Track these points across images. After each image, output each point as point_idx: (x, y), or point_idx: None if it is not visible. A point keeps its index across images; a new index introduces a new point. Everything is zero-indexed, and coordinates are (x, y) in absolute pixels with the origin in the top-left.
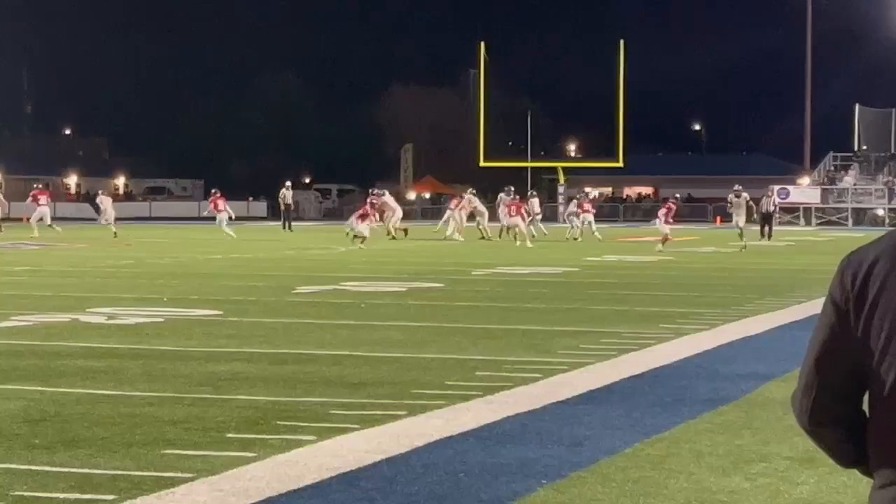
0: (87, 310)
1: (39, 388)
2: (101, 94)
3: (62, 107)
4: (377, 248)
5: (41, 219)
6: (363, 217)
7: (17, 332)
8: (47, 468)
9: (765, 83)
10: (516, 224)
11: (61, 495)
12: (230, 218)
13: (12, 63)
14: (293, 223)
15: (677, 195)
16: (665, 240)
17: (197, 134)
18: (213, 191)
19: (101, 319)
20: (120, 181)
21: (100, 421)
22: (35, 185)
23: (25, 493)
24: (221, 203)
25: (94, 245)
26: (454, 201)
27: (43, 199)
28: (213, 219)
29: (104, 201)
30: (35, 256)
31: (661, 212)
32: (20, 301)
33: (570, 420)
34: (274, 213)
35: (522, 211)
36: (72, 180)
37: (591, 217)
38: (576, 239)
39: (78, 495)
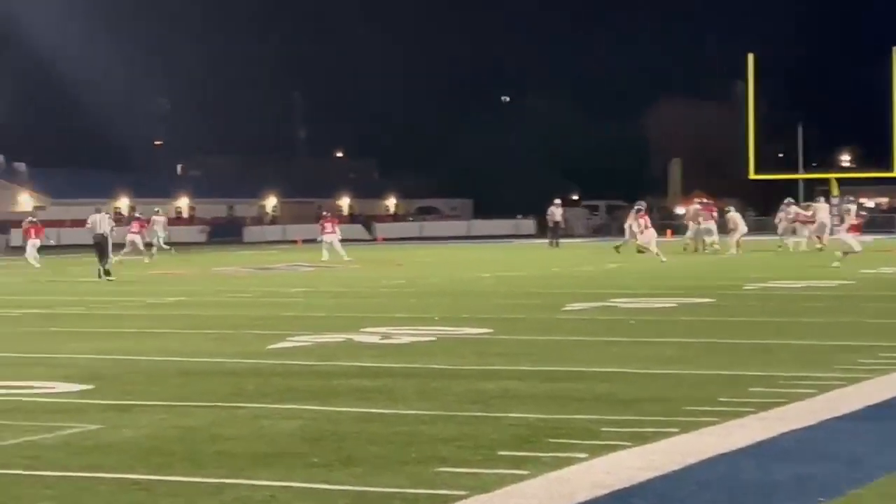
0: (361, 329)
1: (316, 407)
2: (371, 116)
3: (333, 130)
4: (645, 265)
5: (331, 243)
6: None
7: (293, 353)
8: (325, 486)
9: None
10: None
11: None
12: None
13: (285, 90)
14: (561, 240)
15: None
16: None
17: (465, 153)
18: (324, 213)
19: (375, 339)
20: (391, 202)
21: (375, 439)
22: (324, 213)
23: None
24: (330, 225)
25: (367, 266)
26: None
27: (329, 226)
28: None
29: (156, 222)
30: (310, 278)
31: None
32: (296, 322)
33: (848, 436)
34: (542, 230)
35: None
36: (344, 202)
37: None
38: (779, 247)
39: None
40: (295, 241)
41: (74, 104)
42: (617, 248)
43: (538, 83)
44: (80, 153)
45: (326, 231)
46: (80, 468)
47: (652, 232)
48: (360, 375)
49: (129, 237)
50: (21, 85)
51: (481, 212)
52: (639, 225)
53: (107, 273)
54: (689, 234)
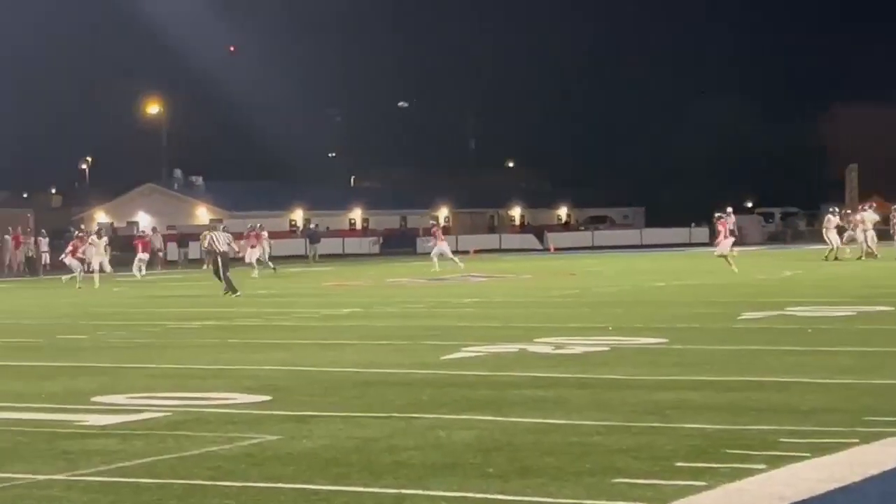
0: (535, 340)
1: (491, 418)
2: (542, 126)
3: (505, 141)
4: (822, 274)
5: (442, 253)
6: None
7: (468, 363)
8: (501, 496)
9: None
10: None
11: None
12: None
13: (457, 102)
14: (735, 248)
15: None
16: None
17: (636, 161)
18: (431, 223)
19: (548, 349)
20: (562, 211)
21: (550, 450)
22: (431, 223)
23: None
24: (438, 235)
25: (539, 276)
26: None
27: (438, 236)
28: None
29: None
30: (482, 288)
31: None
32: (470, 332)
33: None
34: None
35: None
36: (516, 212)
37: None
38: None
39: None
40: (467, 252)
41: (249, 118)
42: (826, 257)
43: (711, 88)
44: (256, 166)
45: (436, 241)
46: (260, 479)
47: (728, 241)
48: (533, 386)
49: (249, 252)
50: (196, 100)
51: (653, 220)
52: (718, 232)
53: (232, 290)
54: (859, 239)
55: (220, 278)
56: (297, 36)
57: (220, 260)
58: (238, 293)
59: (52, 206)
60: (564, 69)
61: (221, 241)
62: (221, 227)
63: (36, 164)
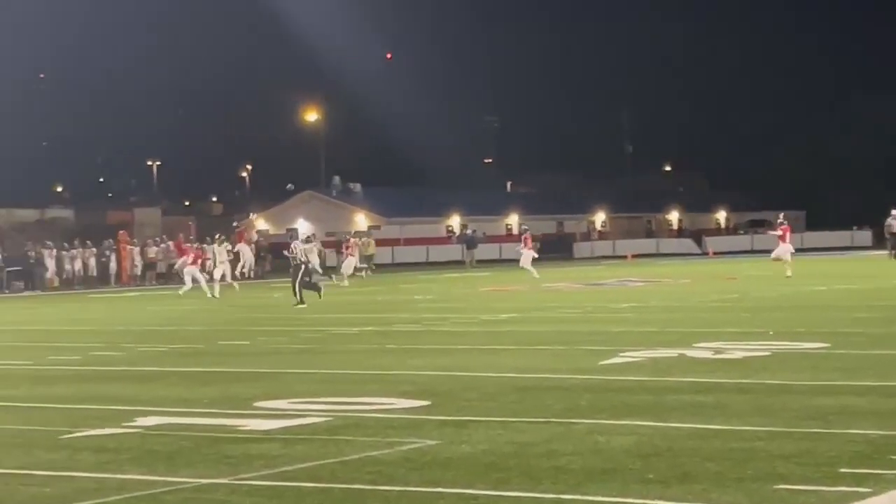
0: (693, 345)
1: (650, 423)
2: (699, 129)
3: (661, 145)
4: None
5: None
6: None
7: (626, 368)
8: (661, 502)
9: None
10: None
11: None
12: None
13: (612, 106)
14: None
15: None
16: None
17: (796, 164)
18: (523, 228)
19: (708, 354)
20: (720, 215)
21: (711, 456)
22: (523, 228)
23: None
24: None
25: (698, 280)
26: None
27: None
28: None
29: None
30: (640, 293)
31: None
32: (628, 337)
33: None
34: (879, 241)
35: None
36: (673, 216)
37: None
38: None
39: None
40: (625, 256)
41: (406, 125)
42: None
43: (868, 85)
44: (412, 173)
45: (524, 249)
46: (420, 483)
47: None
48: (693, 391)
49: (347, 261)
50: (354, 108)
51: (813, 224)
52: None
53: (300, 301)
54: None
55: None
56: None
57: (301, 270)
58: (304, 304)
59: (212, 214)
60: (722, 70)
61: (301, 250)
62: (307, 237)
63: (197, 172)
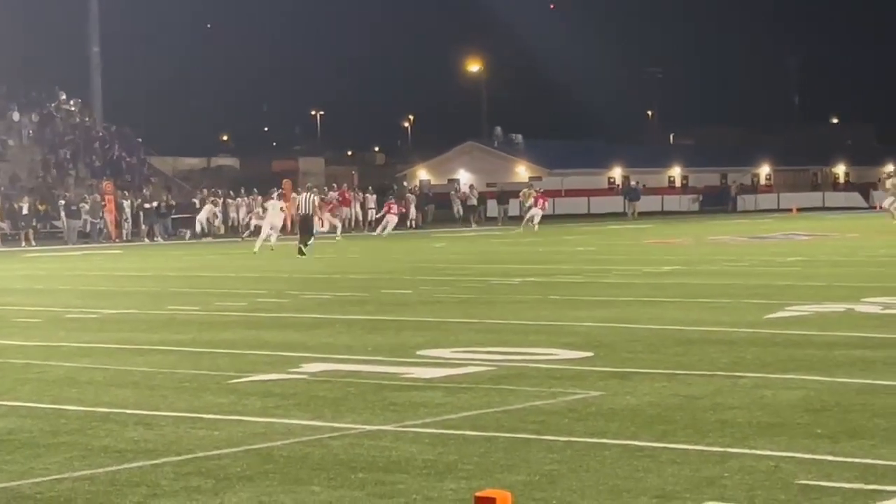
0: (862, 299)
1: (818, 378)
2: (869, 80)
3: (830, 96)
4: None
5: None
6: None
7: (792, 322)
8: (830, 457)
9: None
10: None
11: (846, 485)
12: None
13: (780, 56)
14: None
15: None
16: None
17: None
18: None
19: (876, 309)
20: (890, 168)
21: (881, 412)
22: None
23: (810, 482)
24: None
25: (866, 234)
26: None
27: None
28: None
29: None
30: (806, 247)
31: None
32: (794, 291)
33: None
34: None
35: None
36: (840, 170)
37: None
38: None
39: (862, 485)
40: (790, 210)
41: (568, 76)
42: None
43: None
44: (573, 125)
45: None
46: (585, 434)
47: None
48: (861, 346)
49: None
50: (517, 59)
51: None
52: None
53: (301, 252)
54: None
55: (301, 240)
56: None
57: (305, 222)
58: (305, 255)
59: (375, 164)
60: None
61: (308, 204)
62: (312, 190)
63: (359, 122)
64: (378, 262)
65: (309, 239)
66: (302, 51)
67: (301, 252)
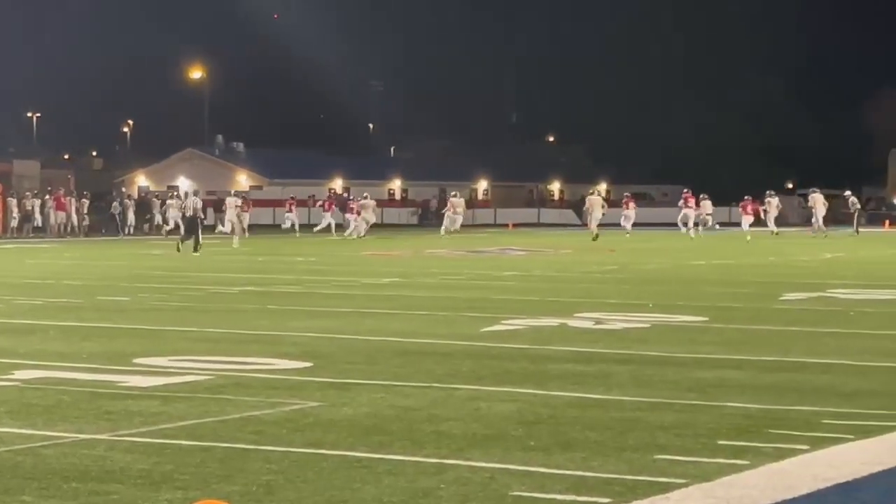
0: (574, 314)
1: (532, 391)
2: (582, 101)
3: (544, 114)
4: (864, 255)
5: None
6: None
7: (507, 336)
8: (544, 469)
9: None
10: None
11: (559, 496)
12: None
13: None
14: (779, 228)
15: None
16: None
17: (679, 140)
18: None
19: (588, 324)
20: (602, 188)
21: (592, 424)
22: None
23: (523, 494)
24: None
25: (579, 251)
26: None
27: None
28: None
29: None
30: (522, 262)
31: None
32: (509, 305)
33: None
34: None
35: None
36: (555, 186)
37: None
38: None
39: (574, 497)
40: (506, 225)
41: (290, 87)
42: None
43: (754, 69)
44: (296, 135)
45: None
46: (302, 444)
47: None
48: (574, 360)
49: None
50: (239, 67)
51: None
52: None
53: (195, 249)
54: None
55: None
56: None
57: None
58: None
59: (92, 168)
60: (607, 42)
61: (195, 205)
62: (195, 192)
63: (78, 126)
64: (95, 269)
65: (196, 239)
66: (17, 49)
67: (195, 249)
